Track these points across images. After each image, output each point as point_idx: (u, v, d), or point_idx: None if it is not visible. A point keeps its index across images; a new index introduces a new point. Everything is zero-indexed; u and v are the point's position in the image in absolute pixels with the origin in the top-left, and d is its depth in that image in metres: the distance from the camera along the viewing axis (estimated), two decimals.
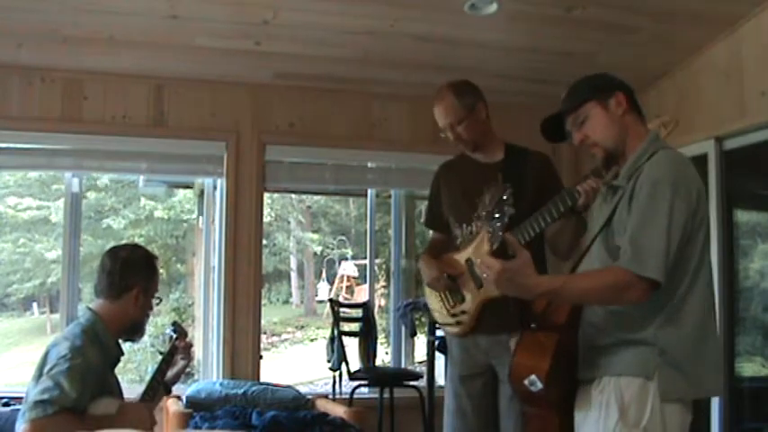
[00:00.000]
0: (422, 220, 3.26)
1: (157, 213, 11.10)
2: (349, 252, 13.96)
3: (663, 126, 2.15)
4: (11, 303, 13.07)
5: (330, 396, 4.33)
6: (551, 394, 1.99)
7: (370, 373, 4.37)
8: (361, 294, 10.29)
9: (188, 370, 2.98)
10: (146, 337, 2.69)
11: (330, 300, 5.31)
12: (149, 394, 2.49)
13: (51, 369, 2.16)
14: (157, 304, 2.56)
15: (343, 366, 4.28)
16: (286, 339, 13.00)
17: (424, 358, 4.48)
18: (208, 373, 4.50)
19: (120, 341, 2.48)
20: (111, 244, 2.80)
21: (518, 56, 4.22)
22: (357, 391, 4.36)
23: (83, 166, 4.44)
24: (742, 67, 3.86)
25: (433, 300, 2.90)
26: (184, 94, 4.46)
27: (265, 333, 11.29)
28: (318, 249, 14.15)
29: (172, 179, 5.58)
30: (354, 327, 4.60)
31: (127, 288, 2.42)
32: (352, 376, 4.28)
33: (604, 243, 2.04)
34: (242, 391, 4.06)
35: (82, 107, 4.29)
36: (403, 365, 5.00)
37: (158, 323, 7.74)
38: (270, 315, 12.72)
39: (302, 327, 13.47)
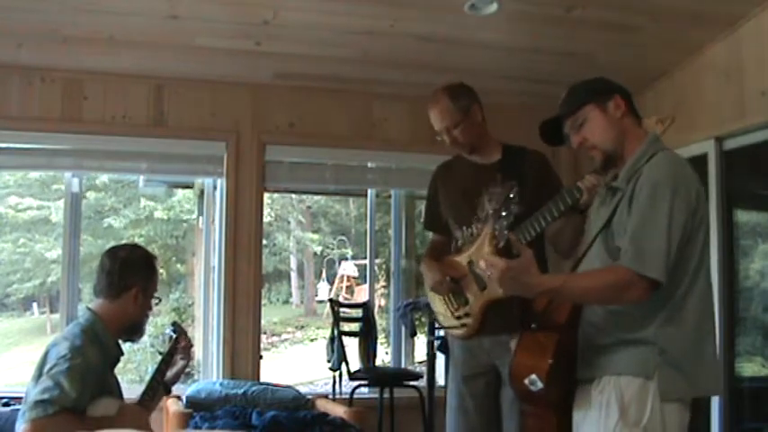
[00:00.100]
0: (421, 220, 3.26)
1: (157, 213, 11.10)
2: (349, 252, 13.96)
3: (660, 122, 2.15)
4: (11, 303, 13.07)
5: (330, 396, 4.33)
6: (551, 394, 2.00)
7: (370, 373, 4.37)
8: (361, 294, 10.29)
9: (188, 370, 2.99)
10: (145, 337, 2.69)
11: (330, 300, 5.31)
12: (149, 394, 2.49)
13: (51, 369, 2.16)
14: (156, 304, 2.55)
15: (343, 366, 4.28)
16: (286, 339, 13.00)
17: (424, 358, 4.46)
18: (208, 373, 4.50)
19: (120, 341, 2.48)
20: (111, 244, 2.79)
21: (518, 56, 4.22)
22: (357, 391, 4.36)
23: (83, 166, 4.44)
24: (742, 67, 3.86)
25: (436, 303, 2.89)
26: (184, 94, 4.46)
27: (265, 333, 11.29)
28: (318, 249, 14.15)
29: (172, 179, 5.58)
30: (354, 327, 4.60)
31: (126, 288, 2.43)
32: (352, 376, 4.28)
33: (604, 244, 2.05)
34: (242, 391, 4.06)
35: (82, 107, 4.29)
36: (403, 365, 5.00)
37: (158, 323, 7.74)
38: (270, 315, 12.72)
39: (302, 327, 13.47)
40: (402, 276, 5.08)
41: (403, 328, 4.77)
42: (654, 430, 1.90)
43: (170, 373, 2.61)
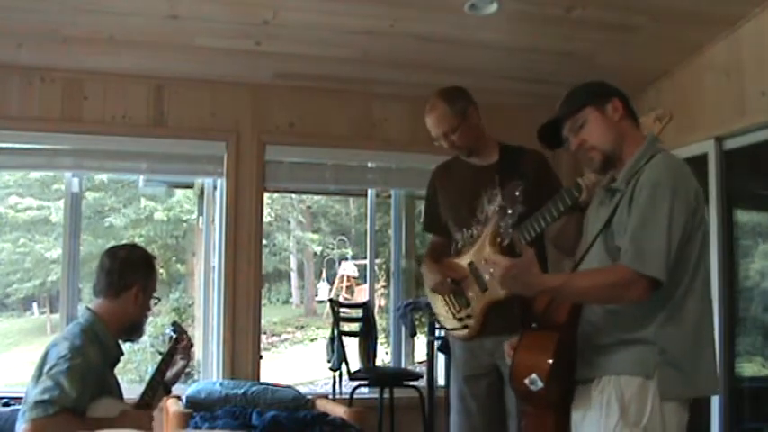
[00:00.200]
0: (421, 220, 3.26)
1: (157, 213, 11.10)
2: (349, 252, 13.95)
3: (657, 120, 2.16)
4: (11, 303, 13.07)
5: (330, 396, 4.33)
6: (551, 393, 2.00)
7: (370, 373, 4.37)
8: (361, 294, 10.29)
9: (188, 370, 2.99)
10: (145, 337, 2.69)
11: (330, 300, 5.31)
12: (149, 394, 2.49)
13: (51, 369, 2.16)
14: (156, 304, 2.56)
15: (343, 366, 4.28)
16: (286, 339, 13.00)
17: (424, 358, 4.48)
18: (208, 373, 4.50)
19: (120, 341, 2.48)
20: (112, 244, 2.80)
21: (518, 56, 4.22)
22: (357, 391, 4.36)
23: (83, 166, 4.44)
24: (742, 67, 3.86)
25: (438, 305, 2.89)
26: (184, 94, 4.46)
27: (265, 333, 11.29)
28: (318, 249, 14.15)
29: (172, 179, 5.59)
30: (354, 327, 4.60)
31: (126, 287, 2.43)
32: (352, 376, 4.28)
33: (604, 244, 2.06)
34: (242, 391, 4.06)
35: (82, 107, 4.29)
36: (403, 365, 5.00)
37: (158, 323, 7.75)
38: (270, 315, 12.72)
39: (302, 327, 13.46)
40: (402, 276, 5.08)
41: (403, 328, 4.77)
42: (654, 430, 1.90)
43: (170, 373, 2.61)
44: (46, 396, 2.09)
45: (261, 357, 4.53)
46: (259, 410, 3.83)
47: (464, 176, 2.89)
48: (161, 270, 9.36)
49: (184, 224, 11.25)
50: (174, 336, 2.65)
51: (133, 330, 2.49)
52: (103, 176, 9.69)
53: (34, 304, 13.42)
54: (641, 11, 3.69)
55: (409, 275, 5.15)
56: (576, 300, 2.02)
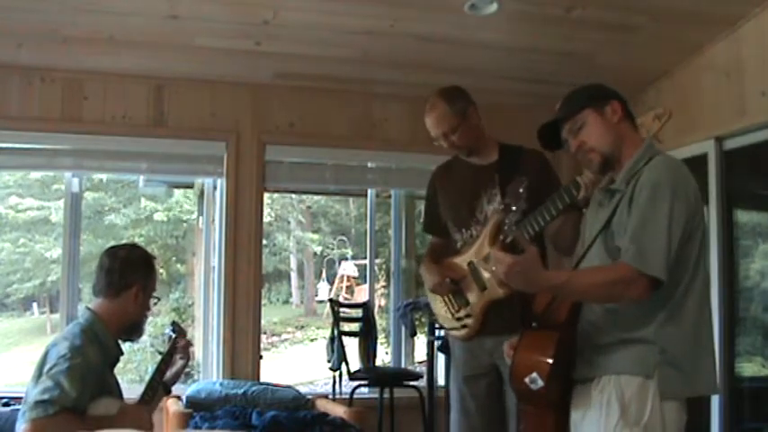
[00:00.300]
0: (421, 220, 3.26)
1: (157, 214, 11.10)
2: (349, 252, 13.96)
3: (657, 118, 2.17)
4: (11, 303, 13.06)
5: (330, 396, 4.33)
6: (551, 392, 2.00)
7: (370, 373, 4.37)
8: (361, 294, 10.29)
9: (187, 370, 2.99)
10: (145, 337, 2.70)
11: (330, 300, 5.31)
12: (149, 394, 2.49)
13: (51, 369, 2.16)
14: (155, 304, 2.56)
15: (343, 366, 4.28)
16: (286, 339, 13.00)
17: (424, 358, 4.48)
18: (208, 373, 4.50)
19: (120, 341, 2.48)
20: (111, 243, 2.80)
21: (518, 56, 4.22)
22: (357, 391, 4.36)
23: (83, 166, 4.44)
24: (742, 67, 3.86)
25: (437, 305, 2.89)
26: (184, 94, 4.46)
27: (265, 333, 11.29)
28: (318, 249, 14.15)
29: (172, 179, 5.59)
30: (354, 327, 4.60)
31: (126, 286, 2.43)
32: (352, 376, 4.28)
33: (604, 244, 2.07)
34: (242, 391, 4.06)
35: (82, 107, 4.29)
36: (403, 365, 5.00)
37: (158, 323, 7.75)
38: (270, 315, 12.72)
39: (302, 327, 13.46)
40: (402, 276, 5.08)
41: (403, 328, 4.77)
42: (654, 429, 1.91)
43: (170, 373, 2.61)
44: (46, 396, 2.09)
45: (261, 357, 4.53)
46: (259, 410, 3.83)
47: (464, 176, 2.89)
48: (161, 270, 9.38)
49: (184, 224, 11.25)
50: (174, 335, 2.65)
51: (133, 330, 2.49)
52: (103, 176, 9.69)
53: (34, 304, 13.42)
54: (641, 11, 3.69)
55: (409, 275, 5.15)
56: (578, 297, 2.03)
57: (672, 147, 3.44)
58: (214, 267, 4.61)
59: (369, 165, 4.93)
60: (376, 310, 5.42)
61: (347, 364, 4.28)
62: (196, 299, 7.55)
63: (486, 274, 2.66)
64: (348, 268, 13.42)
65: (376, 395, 4.31)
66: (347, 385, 4.36)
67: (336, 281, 13.50)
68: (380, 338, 4.81)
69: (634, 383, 1.93)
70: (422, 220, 3.20)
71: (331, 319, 4.56)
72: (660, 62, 4.32)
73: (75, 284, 4.48)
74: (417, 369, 5.22)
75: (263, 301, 4.91)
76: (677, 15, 3.71)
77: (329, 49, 4.09)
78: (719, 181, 4.02)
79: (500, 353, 2.68)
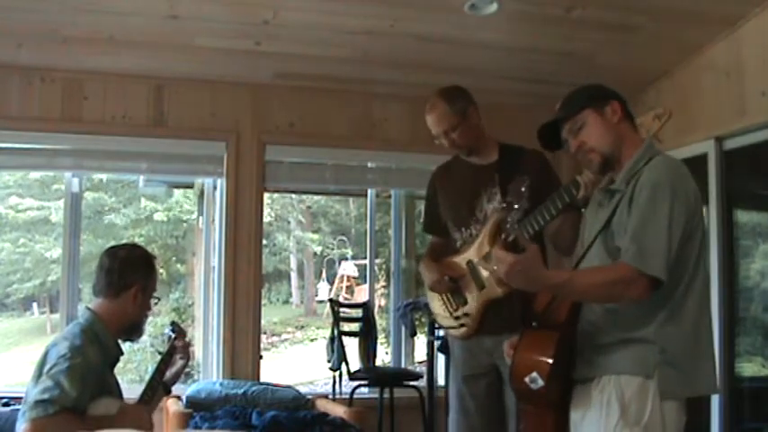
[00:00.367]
0: (421, 220, 3.26)
1: (157, 214, 11.10)
2: (349, 252, 13.96)
3: (657, 118, 2.17)
4: (11, 303, 13.06)
5: (330, 396, 4.34)
6: (551, 392, 2.00)
7: (370, 373, 4.37)
8: (361, 294, 10.29)
9: (187, 370, 2.99)
10: (145, 337, 2.69)
11: (330, 300, 5.31)
12: (149, 394, 2.49)
13: (51, 369, 2.16)
14: (155, 304, 2.55)
15: (343, 366, 4.28)
16: (286, 339, 13.00)
17: (424, 358, 4.48)
18: (208, 373, 4.50)
19: (120, 341, 2.48)
20: (112, 243, 2.80)
21: (518, 56, 4.22)
22: (357, 391, 4.36)
23: (83, 166, 4.44)
24: (742, 67, 3.86)
25: (435, 303, 2.89)
26: (184, 94, 4.46)
27: (265, 333, 11.29)
28: (318, 249, 14.15)
29: (172, 179, 5.59)
30: (354, 327, 4.60)
31: (126, 286, 2.43)
32: (352, 376, 4.28)
33: (604, 245, 2.07)
34: (242, 391, 4.06)
35: (82, 107, 4.29)
36: (403, 365, 5.00)
37: (158, 323, 7.74)
38: (270, 315, 12.72)
39: (302, 327, 13.46)
40: (402, 276, 5.09)
41: (403, 328, 4.77)
42: (654, 429, 1.91)
43: (169, 373, 2.61)
44: (46, 396, 2.09)
45: (261, 357, 4.53)
46: (259, 410, 3.83)
47: (464, 176, 2.89)
48: (161, 270, 9.35)
49: (184, 224, 11.25)
50: (173, 335, 2.65)
51: (133, 330, 2.49)
52: (103, 176, 9.69)
53: (34, 304, 13.42)
54: (641, 11, 3.69)
55: (409, 275, 5.15)
56: (578, 297, 2.03)
57: (672, 147, 3.43)
58: (214, 267, 4.61)
59: (369, 165, 4.93)
60: (376, 310, 5.42)
61: (347, 364, 4.28)
62: (196, 299, 7.55)
63: (484, 273, 2.66)
64: (348, 268, 13.42)
65: (376, 395, 4.31)
66: (347, 385, 4.36)
67: (336, 281, 13.50)
68: (380, 338, 4.81)
69: (634, 383, 1.94)
70: (422, 220, 3.20)
71: (331, 319, 4.56)
72: (660, 62, 4.32)
73: (75, 284, 4.48)
74: (417, 369, 5.22)
75: (263, 301, 4.91)
76: (677, 15, 3.71)
77: (329, 49, 4.09)
78: (719, 181, 4.02)
79: (499, 352, 2.69)
